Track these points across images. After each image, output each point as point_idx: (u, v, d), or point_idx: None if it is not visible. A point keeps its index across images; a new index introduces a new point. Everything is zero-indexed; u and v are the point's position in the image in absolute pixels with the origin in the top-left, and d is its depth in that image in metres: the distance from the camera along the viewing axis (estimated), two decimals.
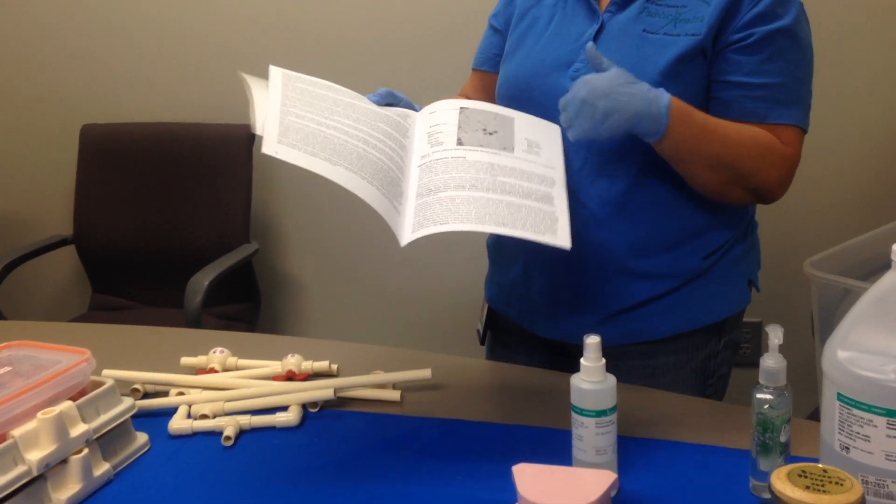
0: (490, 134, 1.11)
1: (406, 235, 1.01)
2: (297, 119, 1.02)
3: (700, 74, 1.15)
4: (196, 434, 1.13)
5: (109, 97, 2.54)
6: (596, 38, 1.19)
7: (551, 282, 1.26)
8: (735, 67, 1.14)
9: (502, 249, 1.34)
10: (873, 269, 1.39)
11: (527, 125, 1.16)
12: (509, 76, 1.28)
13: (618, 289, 1.23)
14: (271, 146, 0.97)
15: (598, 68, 1.07)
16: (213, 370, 1.28)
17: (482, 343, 1.45)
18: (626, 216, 1.19)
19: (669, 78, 1.13)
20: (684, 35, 1.14)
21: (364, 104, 1.12)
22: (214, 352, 1.31)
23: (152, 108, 2.51)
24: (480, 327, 1.43)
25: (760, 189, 1.19)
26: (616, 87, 1.04)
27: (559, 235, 1.00)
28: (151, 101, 2.52)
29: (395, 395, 1.20)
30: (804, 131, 1.18)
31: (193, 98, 2.49)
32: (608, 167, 1.19)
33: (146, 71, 2.50)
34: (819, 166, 2.14)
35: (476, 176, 1.03)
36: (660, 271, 1.22)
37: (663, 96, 1.07)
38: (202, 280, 2.08)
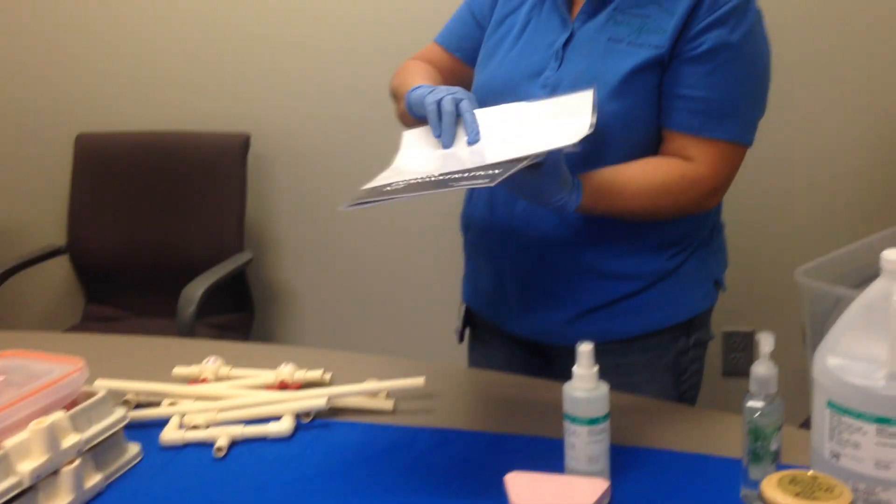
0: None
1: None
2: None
3: (655, 84, 1.19)
4: (188, 445, 1.13)
5: (104, 106, 2.54)
6: (566, 45, 1.23)
7: (522, 281, 1.29)
8: (681, 79, 1.17)
9: (476, 250, 1.37)
10: (864, 278, 1.39)
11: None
12: (482, 85, 1.31)
13: (587, 288, 1.26)
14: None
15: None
16: (205, 380, 1.28)
17: (460, 341, 1.47)
18: (593, 220, 1.22)
19: (627, 85, 1.17)
20: (647, 46, 1.17)
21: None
22: (207, 361, 1.31)
23: (147, 117, 2.51)
24: (458, 326, 1.45)
25: (688, 212, 1.25)
26: (537, 191, 1.08)
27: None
28: (146, 109, 2.52)
29: (388, 404, 1.20)
30: (743, 146, 1.21)
31: (188, 106, 2.49)
32: (576, 171, 1.20)
33: (141, 79, 2.50)
34: (811, 175, 2.15)
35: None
36: (627, 272, 1.26)
37: (573, 199, 1.11)
38: (196, 290, 2.08)
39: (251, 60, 2.43)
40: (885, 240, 1.45)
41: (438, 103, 1.14)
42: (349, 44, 2.36)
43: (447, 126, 1.13)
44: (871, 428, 0.80)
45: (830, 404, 0.83)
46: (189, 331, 2.02)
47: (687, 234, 1.28)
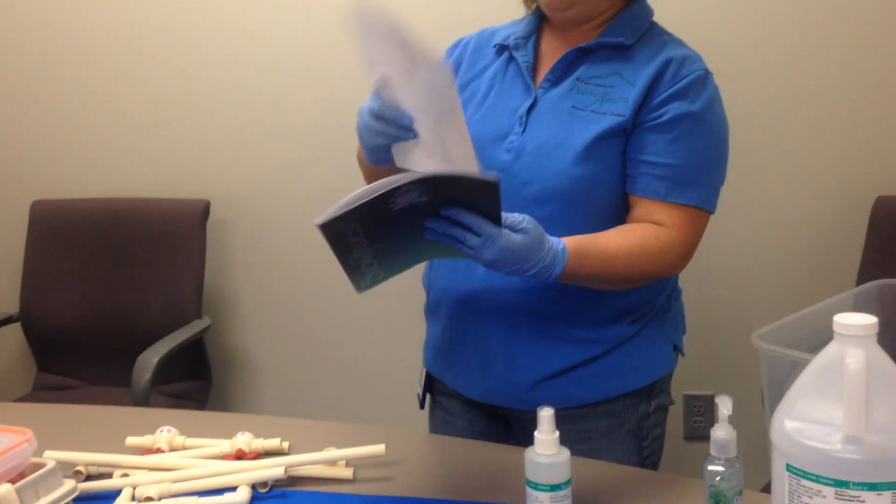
0: None
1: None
2: None
3: (619, 150, 1.22)
4: None
5: (60, 173, 2.52)
6: (529, 111, 1.26)
7: (485, 346, 1.29)
8: (644, 146, 1.21)
9: (438, 313, 1.36)
10: (821, 342, 1.41)
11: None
12: None
13: (550, 352, 1.26)
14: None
15: (513, 228, 1.07)
16: (159, 450, 1.25)
17: (422, 407, 1.46)
18: (555, 285, 1.22)
19: (591, 152, 1.20)
20: (610, 114, 1.21)
21: None
22: (161, 431, 1.28)
23: (104, 184, 2.50)
24: (420, 392, 1.44)
25: (657, 278, 1.26)
26: (520, 260, 1.07)
27: None
28: (103, 176, 2.50)
29: (347, 472, 1.18)
30: (707, 211, 1.24)
31: (146, 173, 2.48)
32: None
33: (98, 146, 2.49)
34: (766, 242, 2.19)
35: None
36: (589, 336, 1.27)
37: (559, 262, 1.11)
38: (151, 357, 2.04)
39: (211, 127, 2.43)
40: (839, 304, 1.48)
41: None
42: (310, 111, 2.38)
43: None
44: (829, 491, 0.80)
45: (789, 467, 0.83)
46: (144, 399, 1.97)
47: (646, 300, 1.30)
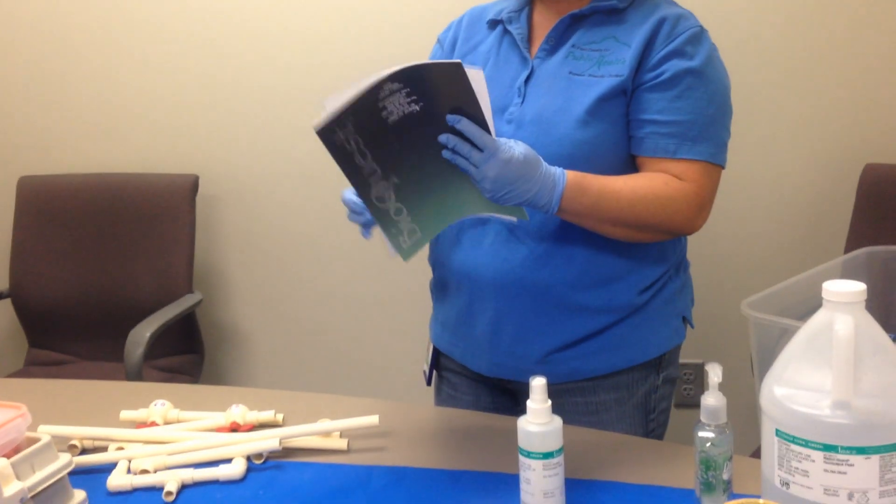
0: None
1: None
2: None
3: (622, 112, 1.22)
4: (136, 490, 1.10)
5: (47, 148, 2.50)
6: (527, 81, 1.26)
7: (493, 319, 1.28)
8: (647, 105, 1.20)
9: (445, 288, 1.36)
10: (809, 309, 1.42)
11: None
12: None
13: (558, 324, 1.26)
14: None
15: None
16: (153, 424, 1.25)
17: (429, 384, 1.46)
18: (563, 252, 1.23)
19: (594, 115, 1.20)
20: (608, 76, 1.21)
21: None
22: (155, 405, 1.29)
23: (92, 159, 2.48)
24: (426, 368, 1.44)
25: (672, 231, 1.25)
26: (520, 177, 1.09)
27: None
28: (91, 151, 2.49)
29: (341, 443, 1.19)
30: (718, 166, 1.24)
31: (135, 148, 2.47)
32: None
33: (85, 121, 2.47)
34: (756, 211, 2.20)
35: None
36: (597, 305, 1.26)
37: (559, 183, 1.12)
38: (143, 331, 2.04)
39: (199, 101, 2.41)
40: (827, 272, 1.49)
41: None
42: (299, 84, 2.37)
43: None
44: (818, 455, 0.81)
45: (778, 433, 0.84)
46: (137, 374, 1.98)
47: (655, 269, 1.29)
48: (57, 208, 2.38)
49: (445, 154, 1.08)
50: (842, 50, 2.08)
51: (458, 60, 1.00)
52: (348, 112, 1.00)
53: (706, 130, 1.21)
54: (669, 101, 1.19)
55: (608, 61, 1.22)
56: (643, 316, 1.28)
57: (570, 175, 1.14)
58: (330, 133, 1.02)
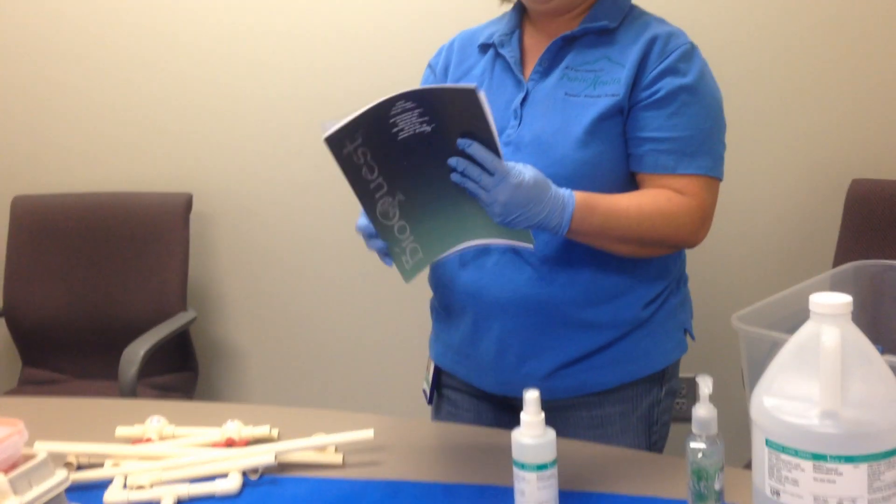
0: None
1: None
2: None
3: (619, 131, 1.23)
4: None
5: (41, 168, 2.51)
6: (523, 104, 1.27)
7: (499, 338, 1.28)
8: (645, 123, 1.22)
9: (449, 308, 1.36)
10: (798, 323, 1.43)
11: None
12: None
13: (564, 341, 1.26)
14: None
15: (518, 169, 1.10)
16: (149, 440, 1.26)
17: (430, 402, 1.46)
18: (567, 270, 1.24)
19: (592, 136, 1.21)
20: (604, 96, 1.22)
21: None
22: (151, 421, 1.29)
23: (86, 179, 2.49)
24: (427, 387, 1.44)
25: (677, 245, 1.28)
26: (531, 200, 1.10)
27: None
28: (85, 171, 2.50)
29: (336, 458, 1.19)
30: (717, 179, 1.26)
31: (129, 167, 2.48)
32: None
33: (79, 141, 2.49)
34: (744, 224, 2.22)
35: None
36: (602, 321, 1.27)
37: (569, 205, 1.14)
38: (138, 349, 2.04)
39: (193, 121, 2.43)
40: (816, 286, 1.50)
41: None
42: (292, 102, 2.39)
43: None
44: (807, 465, 0.82)
45: (768, 443, 0.85)
46: (131, 392, 1.98)
47: (658, 284, 1.31)
48: (51, 227, 2.38)
49: (454, 178, 1.08)
50: (829, 65, 2.11)
51: (474, 85, 1.00)
52: (359, 123, 1.01)
53: (703, 145, 1.23)
54: (666, 119, 1.21)
55: (603, 81, 1.23)
56: (647, 329, 1.30)
57: (578, 196, 1.15)
58: (339, 143, 1.02)
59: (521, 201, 1.08)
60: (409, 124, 1.03)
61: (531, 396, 0.95)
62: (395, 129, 1.03)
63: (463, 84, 0.99)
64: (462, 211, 1.13)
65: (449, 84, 0.99)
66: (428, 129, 1.04)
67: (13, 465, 1.02)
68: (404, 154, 1.05)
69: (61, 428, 1.31)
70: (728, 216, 2.19)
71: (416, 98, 1.01)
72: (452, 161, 1.06)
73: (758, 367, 1.44)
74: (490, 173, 1.06)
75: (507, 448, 1.00)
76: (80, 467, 1.21)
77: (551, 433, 0.96)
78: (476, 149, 1.05)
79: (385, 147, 1.04)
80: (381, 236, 1.12)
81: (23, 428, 1.04)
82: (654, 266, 1.29)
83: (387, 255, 1.15)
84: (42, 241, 2.38)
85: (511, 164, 1.09)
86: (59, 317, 2.35)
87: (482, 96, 1.00)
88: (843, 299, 0.84)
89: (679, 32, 1.26)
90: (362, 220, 1.15)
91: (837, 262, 2.01)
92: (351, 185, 1.07)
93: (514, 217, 1.09)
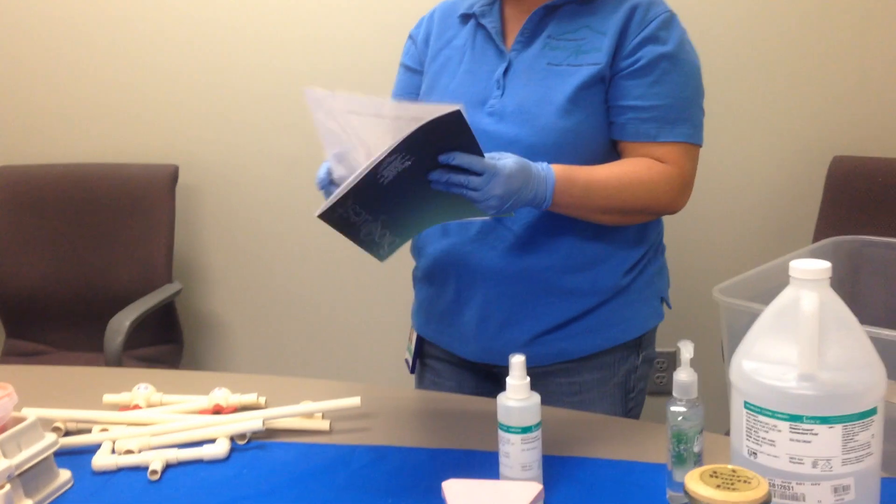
0: None
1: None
2: None
3: (602, 99, 1.25)
4: (121, 469, 1.12)
5: (26, 138, 2.49)
6: (505, 74, 1.28)
7: (481, 306, 1.30)
8: (626, 92, 1.24)
9: (431, 277, 1.38)
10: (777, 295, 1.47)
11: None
12: None
13: (544, 308, 1.29)
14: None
15: (500, 159, 1.11)
16: (137, 407, 1.27)
17: (412, 371, 1.48)
18: (549, 237, 1.26)
19: (575, 104, 1.23)
20: (586, 65, 1.24)
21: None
22: (138, 388, 1.30)
23: (71, 149, 2.48)
24: (409, 357, 1.46)
25: (658, 212, 1.30)
26: (522, 185, 1.12)
27: None
28: (70, 141, 2.48)
29: (324, 424, 1.21)
30: (697, 146, 1.28)
31: (115, 138, 2.47)
32: None
33: (65, 111, 2.47)
34: (727, 200, 2.25)
35: None
36: (583, 288, 1.29)
37: (549, 179, 1.16)
38: (123, 320, 2.05)
39: (180, 91, 2.42)
40: (796, 259, 1.54)
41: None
42: (279, 75, 2.38)
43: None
44: (784, 426, 0.85)
45: (747, 405, 0.88)
46: (116, 363, 1.98)
47: (637, 250, 1.33)
48: (36, 198, 2.37)
49: (438, 186, 1.07)
50: (810, 43, 2.13)
51: (459, 107, 0.99)
52: (349, 195, 1.02)
53: (683, 112, 1.25)
54: (648, 87, 1.23)
55: (585, 50, 1.25)
56: (626, 297, 1.32)
57: (557, 169, 1.17)
58: (331, 213, 1.04)
59: (515, 188, 1.11)
60: (391, 170, 1.02)
61: (517, 360, 0.97)
62: (381, 180, 1.03)
63: (446, 107, 0.98)
64: (440, 204, 1.13)
65: (433, 115, 0.98)
66: (409, 163, 1.03)
67: (2, 428, 1.03)
68: (388, 191, 1.05)
69: (48, 395, 1.31)
70: (710, 190, 2.22)
71: (404, 147, 1.00)
72: (434, 175, 1.06)
73: (738, 339, 1.46)
74: (478, 174, 1.07)
75: (489, 415, 1.02)
76: (67, 433, 1.22)
77: (536, 397, 0.98)
78: (460, 158, 1.05)
79: (372, 196, 1.05)
80: (359, 244, 1.12)
81: (12, 391, 1.05)
82: (633, 233, 1.32)
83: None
84: (27, 211, 2.37)
85: (492, 156, 1.10)
86: (44, 288, 2.35)
87: (464, 111, 0.99)
88: (822, 265, 0.86)
89: (659, 1, 1.28)
90: (323, 172, 1.16)
91: (817, 237, 2.05)
92: (336, 229, 1.08)
93: (509, 205, 1.12)
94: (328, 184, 1.17)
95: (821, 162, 2.11)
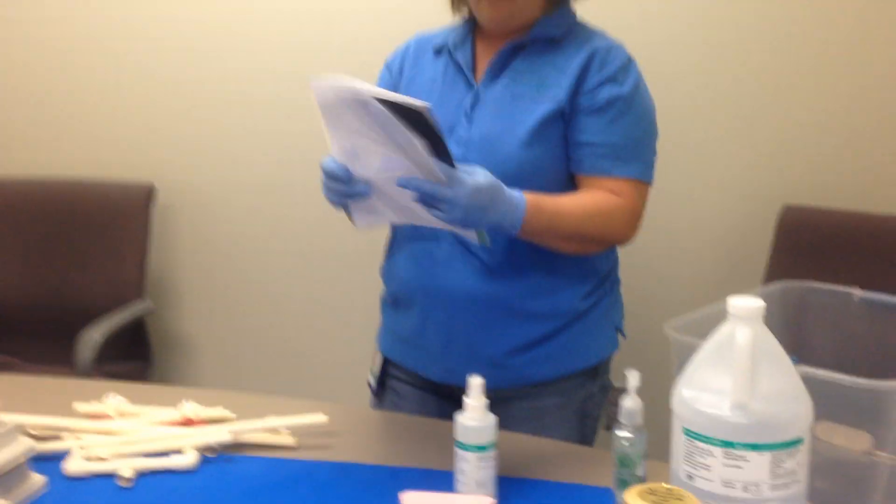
0: None
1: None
2: None
3: (561, 134, 1.34)
4: (93, 476, 1.15)
5: (1, 152, 2.52)
6: (473, 105, 1.37)
7: (447, 330, 1.37)
8: (584, 128, 1.33)
9: (399, 300, 1.44)
10: None
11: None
12: None
13: (509, 329, 1.36)
14: None
15: (471, 172, 1.18)
16: (107, 416, 1.31)
17: (375, 394, 1.53)
18: (513, 263, 1.34)
19: (536, 137, 1.32)
20: (548, 100, 1.33)
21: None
22: (109, 398, 1.34)
23: (46, 163, 2.50)
24: (372, 379, 1.51)
25: (611, 242, 1.39)
26: (492, 202, 1.18)
27: None
28: (45, 155, 2.51)
29: (290, 439, 1.26)
30: (647, 183, 1.37)
31: (90, 154, 2.50)
32: None
33: (39, 125, 2.50)
34: (676, 245, 2.30)
35: None
36: (544, 311, 1.37)
37: (520, 205, 1.23)
38: (94, 335, 2.07)
39: (158, 110, 2.46)
40: None
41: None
42: (257, 97, 2.42)
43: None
44: (718, 451, 0.92)
45: (685, 431, 0.95)
46: (87, 376, 2.00)
47: (593, 278, 1.41)
48: (10, 212, 2.40)
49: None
50: (762, 90, 2.18)
51: (428, 105, 1.06)
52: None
53: (636, 151, 1.35)
54: (605, 125, 1.32)
55: (547, 85, 1.34)
56: (584, 324, 1.40)
57: (528, 196, 1.24)
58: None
59: (482, 203, 1.16)
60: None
61: (475, 382, 1.04)
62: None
63: (417, 101, 1.06)
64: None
65: (406, 100, 1.06)
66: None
67: None
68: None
69: (18, 404, 1.32)
70: (663, 229, 2.27)
71: (393, 109, 1.07)
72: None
73: None
74: (445, 182, 1.13)
75: (449, 436, 1.08)
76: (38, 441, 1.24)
77: (492, 418, 1.04)
78: (418, 183, 1.13)
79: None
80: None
81: None
82: (588, 262, 1.40)
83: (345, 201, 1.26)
84: (0, 224, 2.39)
85: (465, 169, 1.17)
86: (15, 300, 2.37)
87: (432, 112, 1.07)
88: (757, 303, 0.94)
89: (619, 46, 1.38)
90: (330, 162, 1.23)
91: (769, 279, 2.12)
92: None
93: (475, 220, 1.17)
94: (328, 177, 1.23)
95: (771, 210, 2.19)
